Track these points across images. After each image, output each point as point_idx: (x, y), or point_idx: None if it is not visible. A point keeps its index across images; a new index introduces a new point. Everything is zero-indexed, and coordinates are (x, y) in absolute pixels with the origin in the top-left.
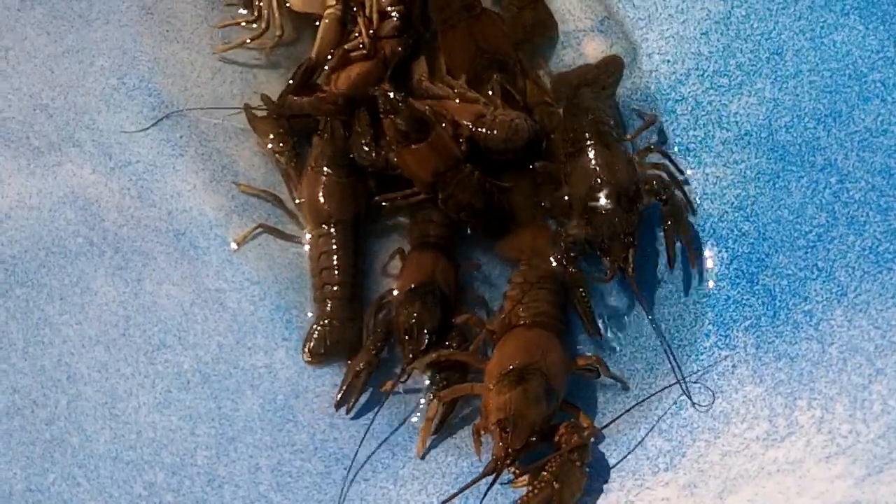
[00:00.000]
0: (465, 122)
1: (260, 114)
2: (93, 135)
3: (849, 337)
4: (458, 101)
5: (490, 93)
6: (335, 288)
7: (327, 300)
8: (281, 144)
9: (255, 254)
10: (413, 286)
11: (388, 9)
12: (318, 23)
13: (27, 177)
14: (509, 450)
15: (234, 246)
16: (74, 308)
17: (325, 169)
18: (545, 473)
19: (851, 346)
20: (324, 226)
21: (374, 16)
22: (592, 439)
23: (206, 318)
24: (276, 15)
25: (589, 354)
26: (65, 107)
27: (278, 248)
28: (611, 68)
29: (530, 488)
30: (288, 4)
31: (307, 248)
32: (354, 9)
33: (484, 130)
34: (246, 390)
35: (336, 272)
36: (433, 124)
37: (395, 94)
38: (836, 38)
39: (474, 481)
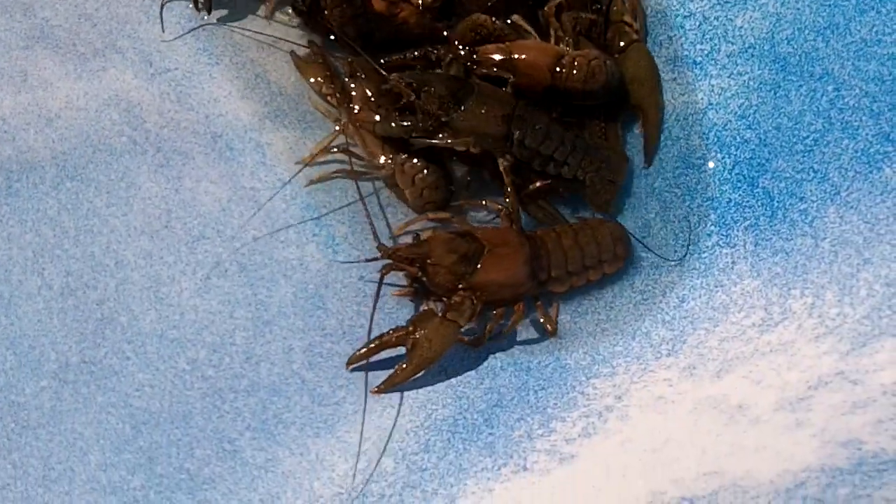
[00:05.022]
0: (544, 65)
1: (305, 59)
2: (134, 43)
3: (840, 231)
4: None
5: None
6: (435, 191)
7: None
8: (332, 86)
9: (286, 157)
10: None
11: None
12: None
13: (74, 80)
14: None
15: (297, 166)
16: (120, 201)
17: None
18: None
19: (842, 240)
20: (401, 153)
21: None
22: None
23: (242, 214)
24: None
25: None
26: (108, 16)
27: (308, 153)
28: None
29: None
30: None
31: (385, 173)
32: None
33: (563, 72)
34: (279, 279)
35: (431, 178)
36: None
37: None
38: None
39: None
